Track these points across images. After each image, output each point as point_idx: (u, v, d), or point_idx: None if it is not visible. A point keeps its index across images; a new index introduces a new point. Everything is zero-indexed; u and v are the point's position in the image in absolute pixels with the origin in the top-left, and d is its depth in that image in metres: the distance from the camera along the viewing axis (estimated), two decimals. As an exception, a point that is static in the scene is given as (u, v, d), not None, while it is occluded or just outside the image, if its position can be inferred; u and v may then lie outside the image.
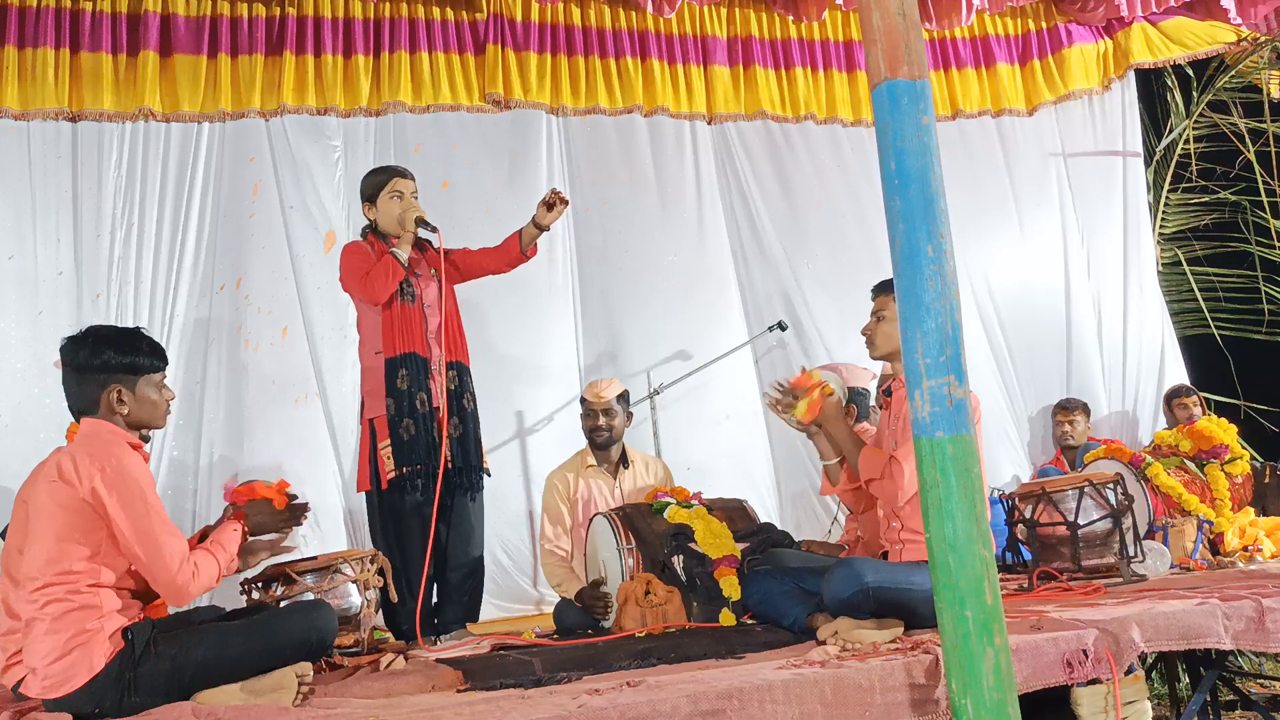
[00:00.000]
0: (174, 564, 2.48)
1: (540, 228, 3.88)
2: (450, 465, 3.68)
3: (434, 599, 3.78)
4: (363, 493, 3.80)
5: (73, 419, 3.17)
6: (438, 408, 3.70)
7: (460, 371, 3.80)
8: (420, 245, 3.86)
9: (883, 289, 3.26)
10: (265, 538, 2.91)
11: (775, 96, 6.02)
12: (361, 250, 3.82)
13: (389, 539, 3.67)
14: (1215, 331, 6.53)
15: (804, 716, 2.30)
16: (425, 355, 3.71)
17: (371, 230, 3.88)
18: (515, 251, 3.95)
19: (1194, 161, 6.75)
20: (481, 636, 3.60)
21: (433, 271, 3.84)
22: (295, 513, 2.93)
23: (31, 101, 4.78)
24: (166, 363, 2.70)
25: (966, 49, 6.45)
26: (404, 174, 3.92)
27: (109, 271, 4.80)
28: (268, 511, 2.87)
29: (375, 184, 3.89)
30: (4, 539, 3.54)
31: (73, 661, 2.39)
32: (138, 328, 2.69)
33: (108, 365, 2.57)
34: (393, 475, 3.63)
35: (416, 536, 3.64)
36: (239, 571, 2.86)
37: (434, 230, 3.78)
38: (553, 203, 3.82)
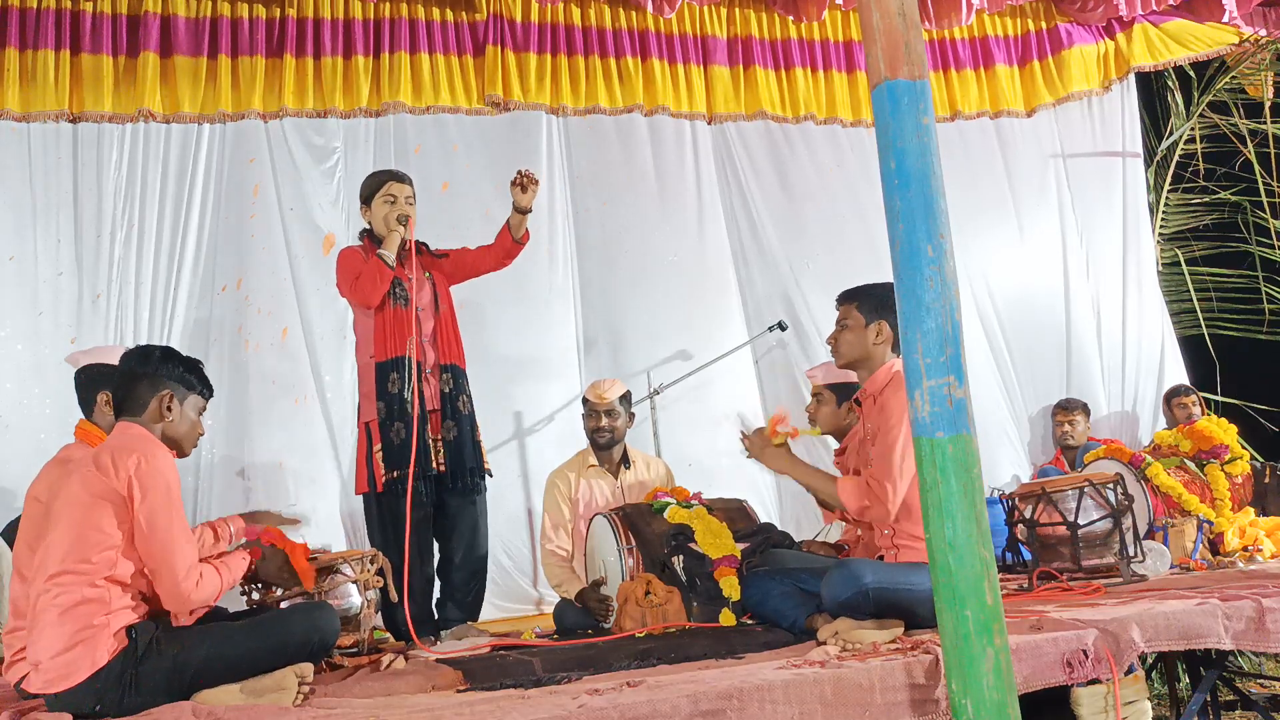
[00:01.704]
0: (181, 569, 2.51)
1: (522, 210, 3.87)
2: (444, 468, 3.69)
3: (434, 597, 3.79)
4: (361, 495, 3.80)
5: (83, 416, 3.20)
6: (431, 411, 3.71)
7: (455, 374, 3.81)
8: (418, 248, 3.86)
9: (846, 298, 3.26)
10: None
11: (775, 97, 6.02)
12: (355, 255, 3.83)
13: (386, 542, 3.67)
14: (1215, 331, 6.53)
15: (804, 716, 2.30)
16: (418, 358, 3.71)
17: (368, 234, 3.89)
18: (509, 242, 3.95)
19: (1194, 162, 6.76)
20: (481, 639, 3.60)
21: (426, 275, 3.85)
22: (300, 578, 2.98)
23: (32, 103, 4.80)
24: (211, 396, 2.84)
25: (965, 50, 6.45)
26: (399, 178, 3.91)
27: (109, 272, 4.81)
28: (278, 563, 2.94)
29: (370, 187, 3.91)
30: (3, 538, 3.57)
31: (76, 656, 2.40)
32: (201, 361, 2.84)
33: (170, 374, 2.70)
34: (386, 479, 3.65)
35: (412, 539, 3.64)
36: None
37: (404, 223, 3.78)
38: (524, 183, 3.82)
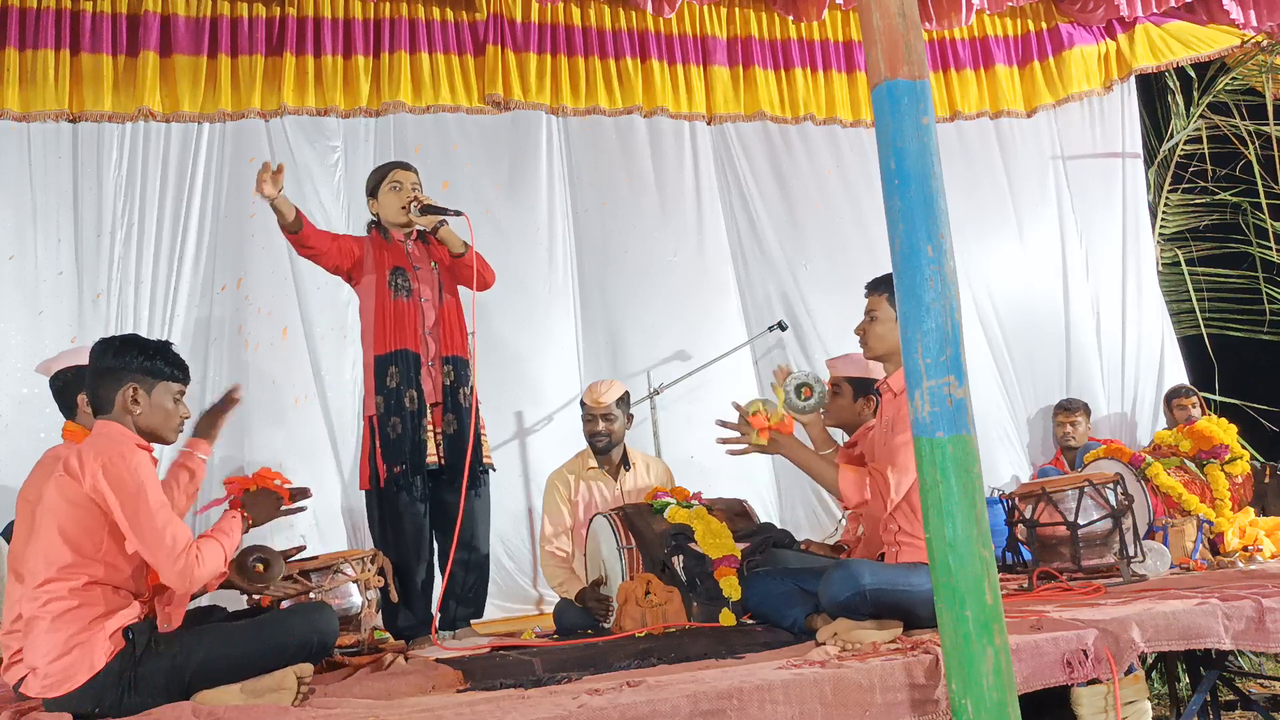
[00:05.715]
0: (176, 550, 2.45)
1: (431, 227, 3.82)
2: (444, 462, 3.65)
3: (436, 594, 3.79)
4: (364, 491, 3.79)
5: (69, 418, 3.18)
6: (432, 405, 3.68)
7: (456, 366, 3.75)
8: (423, 238, 3.85)
9: (876, 287, 3.21)
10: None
11: (774, 97, 6.02)
12: (353, 237, 3.83)
13: (385, 538, 3.65)
14: (1215, 332, 6.53)
15: (804, 716, 2.30)
16: (418, 351, 3.68)
17: (375, 225, 3.88)
18: (453, 260, 3.86)
19: (1194, 163, 6.76)
20: (484, 641, 3.60)
21: (433, 265, 3.83)
22: (296, 497, 2.91)
23: (32, 103, 4.79)
24: (188, 379, 2.73)
25: (965, 50, 6.44)
26: (405, 166, 3.92)
27: (109, 271, 4.81)
28: (265, 499, 2.84)
29: (376, 178, 3.91)
30: (4, 538, 3.57)
31: (73, 660, 2.39)
32: (169, 342, 2.73)
33: (129, 365, 2.60)
34: (386, 474, 3.61)
35: (410, 536, 3.63)
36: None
37: (452, 214, 3.74)
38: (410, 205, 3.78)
